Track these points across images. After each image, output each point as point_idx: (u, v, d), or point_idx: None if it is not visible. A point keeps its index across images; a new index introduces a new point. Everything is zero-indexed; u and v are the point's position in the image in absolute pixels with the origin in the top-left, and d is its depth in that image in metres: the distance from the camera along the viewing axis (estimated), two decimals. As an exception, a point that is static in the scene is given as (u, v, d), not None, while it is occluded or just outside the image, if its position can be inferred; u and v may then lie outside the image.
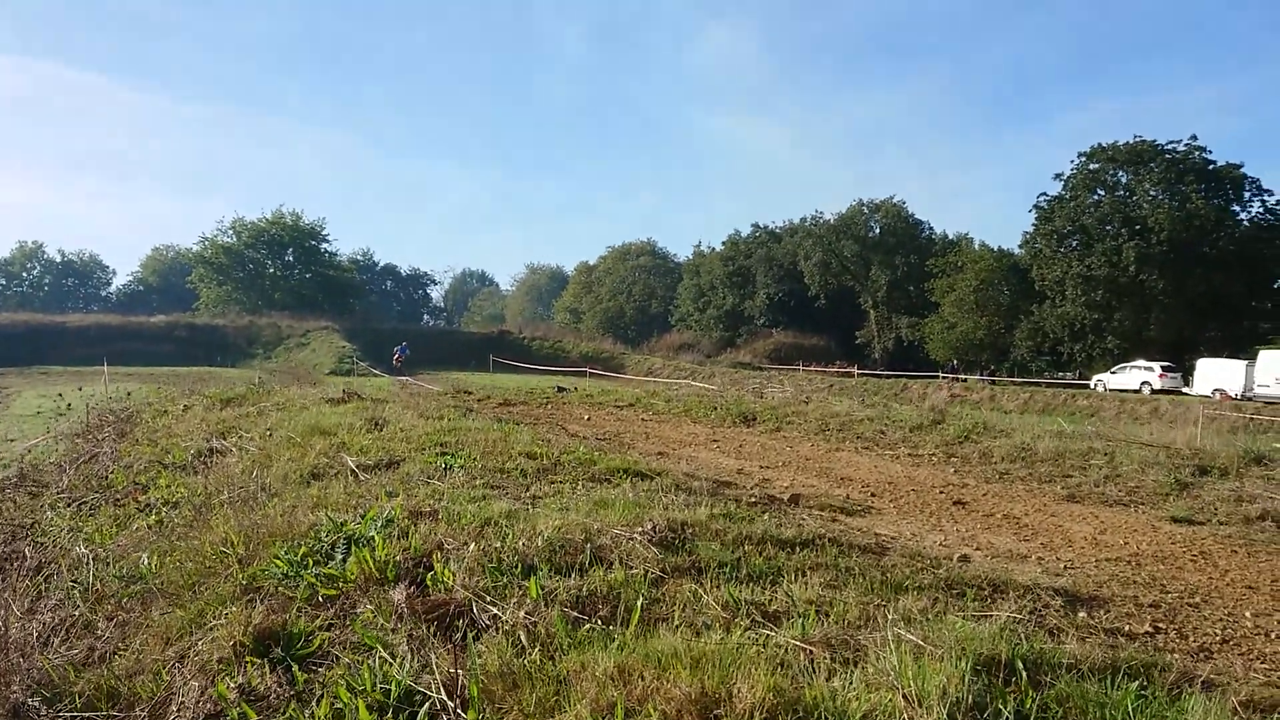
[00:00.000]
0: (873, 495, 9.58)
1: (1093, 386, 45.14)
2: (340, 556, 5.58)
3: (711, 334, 78.30)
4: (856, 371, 54.42)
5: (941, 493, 9.74)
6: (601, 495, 7.23)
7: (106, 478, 10.85)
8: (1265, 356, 38.09)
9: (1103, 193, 55.04)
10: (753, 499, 8.19)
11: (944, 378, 48.86)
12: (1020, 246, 59.68)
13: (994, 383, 45.85)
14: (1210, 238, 50.60)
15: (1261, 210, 52.73)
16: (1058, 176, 57.17)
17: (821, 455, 12.47)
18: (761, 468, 11.22)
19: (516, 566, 5.10)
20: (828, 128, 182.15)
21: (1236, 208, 52.66)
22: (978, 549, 7.29)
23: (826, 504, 8.68)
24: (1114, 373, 45.56)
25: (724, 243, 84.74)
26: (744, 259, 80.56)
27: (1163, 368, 43.74)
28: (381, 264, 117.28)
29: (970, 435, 12.95)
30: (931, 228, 75.88)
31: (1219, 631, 5.39)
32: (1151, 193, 53.25)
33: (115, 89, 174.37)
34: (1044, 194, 58.33)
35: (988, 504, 9.23)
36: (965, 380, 47.93)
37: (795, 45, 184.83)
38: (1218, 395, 38.95)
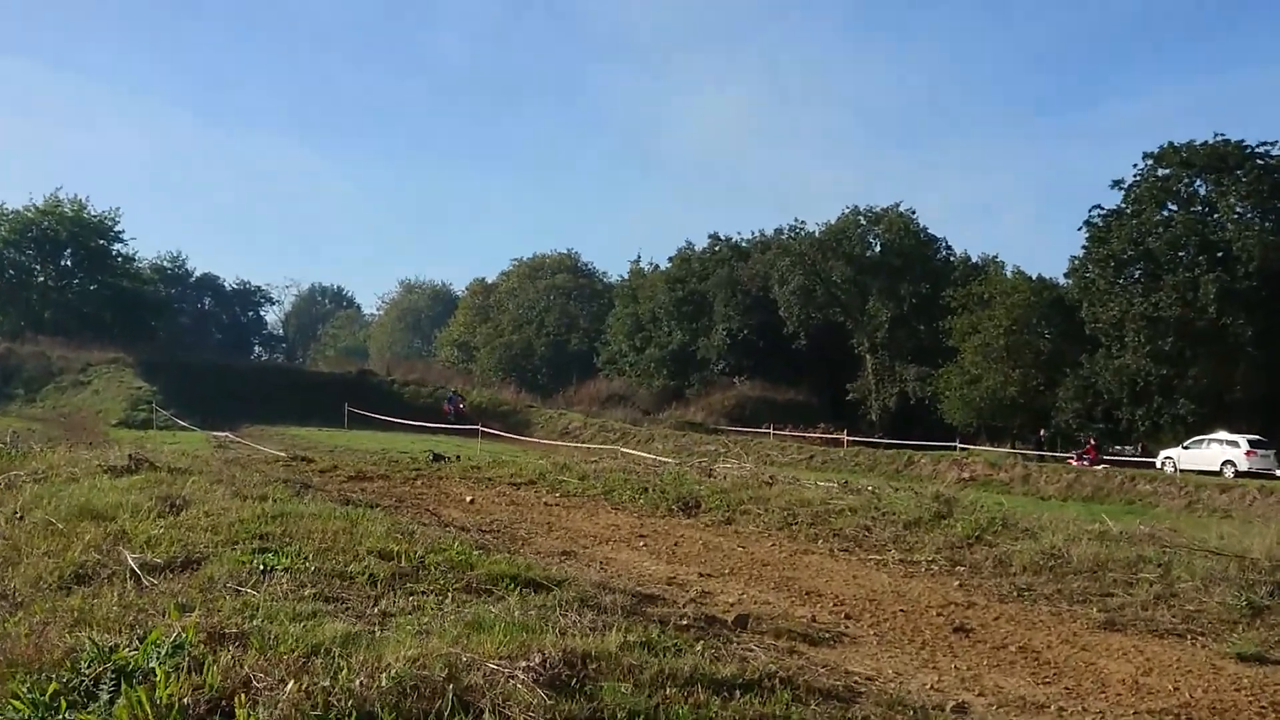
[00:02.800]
0: (847, 617, 9.73)
1: (1159, 465, 46.42)
2: (106, 697, 5.53)
3: (652, 382, 78.98)
4: (846, 439, 55.08)
5: (939, 614, 9.92)
6: (478, 613, 7.27)
7: None
8: None
9: (1174, 208, 56.87)
10: (685, 620, 8.28)
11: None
12: (1066, 276, 61.55)
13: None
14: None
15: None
16: (1116, 184, 58.84)
17: (784, 559, 12.60)
18: (701, 575, 11.31)
19: (350, 715, 5.12)
20: (809, 112, 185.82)
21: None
22: (980, 694, 7.45)
23: (784, 629, 8.81)
24: (1187, 447, 46.97)
25: (671, 259, 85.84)
26: (697, 281, 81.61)
27: (1250, 443, 45.09)
28: (198, 274, 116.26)
29: (984, 534, 13.21)
30: (949, 246, 77.87)
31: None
32: (1238, 209, 55.04)
33: None
34: (1098, 207, 60.12)
35: (999, 631, 9.42)
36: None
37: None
38: None
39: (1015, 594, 10.98)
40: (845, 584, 11.21)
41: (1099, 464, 45.78)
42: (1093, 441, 52.06)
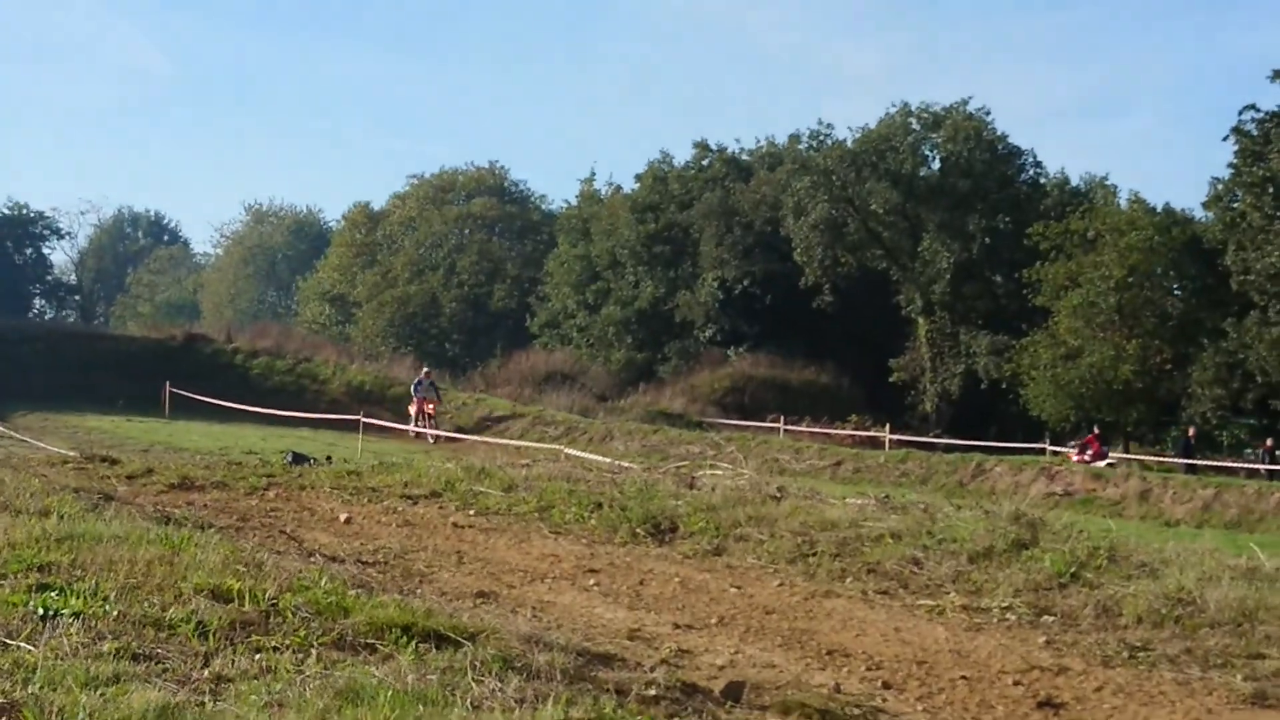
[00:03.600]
0: (886, 686, 9.77)
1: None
2: None
3: (611, 354, 78.92)
4: (889, 437, 55.22)
5: (1017, 684, 9.96)
6: (353, 678, 7.27)
7: None
8: None
9: (1367, 110, 56.81)
10: (653, 690, 8.30)
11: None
12: (1205, 206, 61.40)
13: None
14: None
15: None
16: (1277, 75, 58.77)
17: (796, 604, 12.66)
18: (678, 627, 11.35)
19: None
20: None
21: None
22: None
23: (796, 702, 8.81)
24: None
25: (640, 177, 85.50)
26: (677, 210, 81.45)
27: None
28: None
29: (1082, 571, 13.28)
30: (1039, 163, 77.68)
31: None
32: None
33: None
34: (1252, 108, 59.83)
35: (1103, 709, 9.45)
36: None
37: None
38: None
39: (1126, 655, 11.01)
40: (884, 640, 11.27)
41: (1103, 459, 46.24)
42: (1096, 431, 52.37)
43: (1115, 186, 74.02)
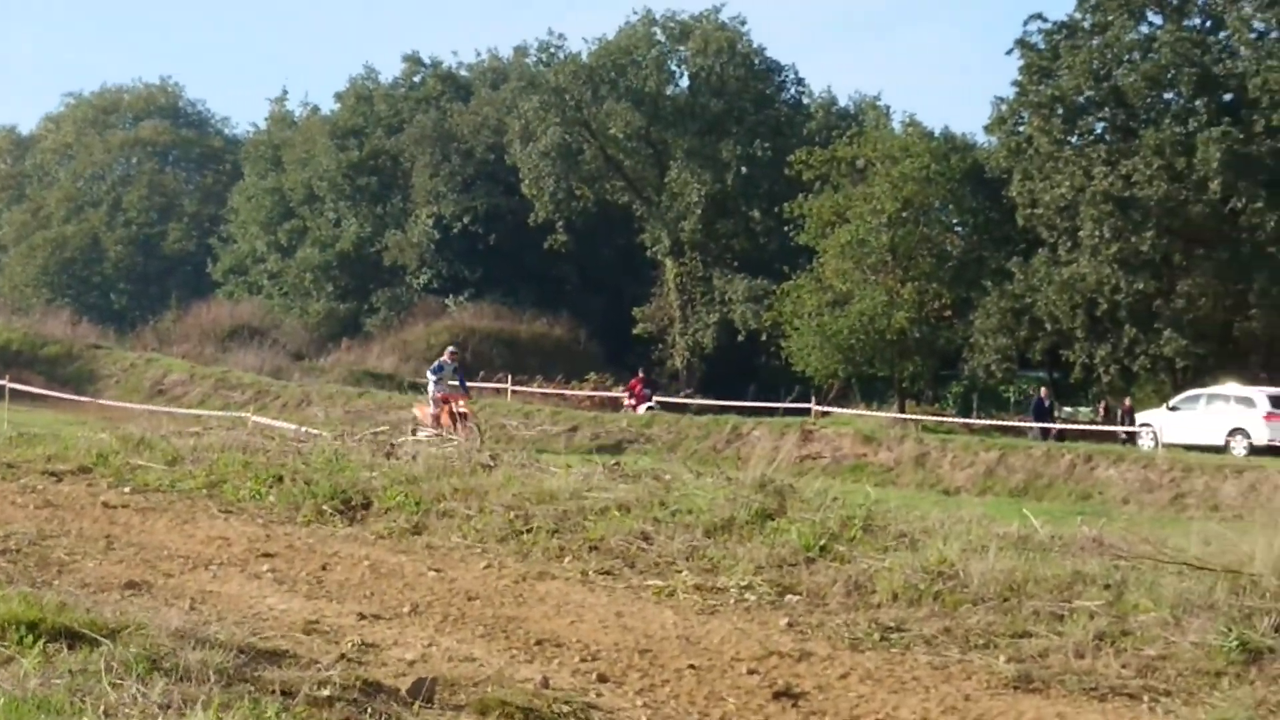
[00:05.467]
0: (602, 679, 9.77)
1: (1137, 437, 47.59)
2: None
3: (308, 306, 78.17)
4: (635, 399, 55.18)
5: (753, 672, 10.02)
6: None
7: None
8: None
9: (1158, 20, 57.96)
10: (328, 690, 8.23)
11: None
12: (988, 130, 62.29)
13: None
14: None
15: None
16: (1061, -15, 59.65)
17: (504, 589, 12.68)
18: (364, 618, 11.29)
19: None
20: None
21: None
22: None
23: (496, 700, 8.77)
24: (1176, 408, 47.97)
25: (340, 96, 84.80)
26: (384, 135, 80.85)
27: (1274, 400, 46.17)
28: None
29: (833, 544, 13.47)
30: (801, 80, 78.48)
31: None
32: (1258, 22, 56.25)
33: None
34: (1038, 18, 60.85)
35: (848, 697, 9.58)
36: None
37: None
38: None
39: (877, 637, 11.18)
40: (603, 626, 11.33)
41: (646, 402, 47.55)
42: (641, 374, 53.29)
43: (888, 108, 74.99)
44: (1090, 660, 10.44)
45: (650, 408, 46.93)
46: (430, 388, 42.31)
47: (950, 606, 11.76)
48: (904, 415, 52.26)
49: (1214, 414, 46.81)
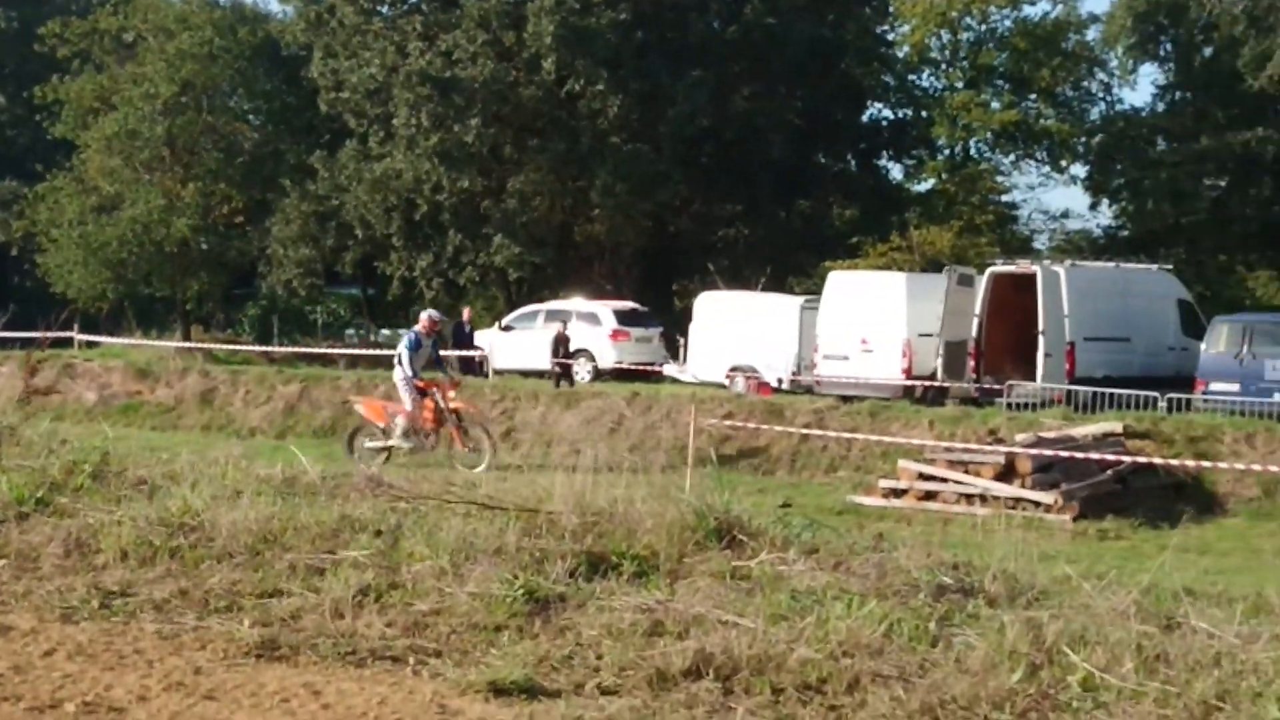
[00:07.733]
0: None
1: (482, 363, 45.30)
2: None
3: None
4: None
5: None
6: None
7: None
8: (839, 285, 39.42)
9: None
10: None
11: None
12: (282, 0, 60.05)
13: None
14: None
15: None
16: None
17: None
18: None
19: None
20: None
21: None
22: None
23: None
24: (508, 327, 46.32)
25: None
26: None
27: (620, 317, 45.56)
28: None
29: (54, 497, 12.96)
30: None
31: None
32: None
33: None
34: None
35: (46, 678, 8.96)
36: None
37: None
38: (742, 383, 40.61)
39: (97, 605, 10.63)
40: None
41: None
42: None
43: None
44: (351, 620, 10.13)
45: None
46: (402, 372, 30.89)
47: (190, 565, 11.50)
48: (189, 344, 50.49)
49: (540, 340, 43.53)
